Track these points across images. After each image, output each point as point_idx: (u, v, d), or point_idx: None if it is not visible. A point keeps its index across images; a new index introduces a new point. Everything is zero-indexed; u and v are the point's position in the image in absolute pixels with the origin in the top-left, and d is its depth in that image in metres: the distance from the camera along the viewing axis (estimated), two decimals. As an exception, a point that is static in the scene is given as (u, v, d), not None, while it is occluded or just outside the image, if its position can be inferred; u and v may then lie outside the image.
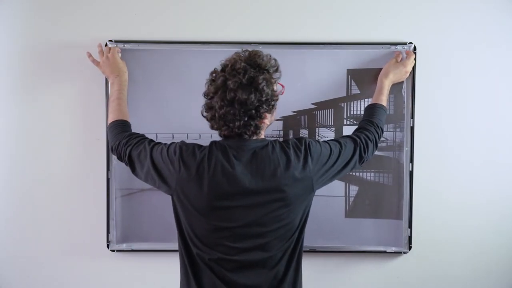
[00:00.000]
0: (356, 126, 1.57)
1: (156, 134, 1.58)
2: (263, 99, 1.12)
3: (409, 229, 1.60)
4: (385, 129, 1.49)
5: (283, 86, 1.25)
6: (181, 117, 1.58)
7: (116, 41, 1.56)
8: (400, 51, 1.55)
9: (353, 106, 1.59)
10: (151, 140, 1.29)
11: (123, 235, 1.62)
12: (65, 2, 1.59)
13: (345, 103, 1.58)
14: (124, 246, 1.62)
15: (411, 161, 1.59)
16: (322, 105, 1.58)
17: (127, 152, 1.28)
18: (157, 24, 1.59)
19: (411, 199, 1.59)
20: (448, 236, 1.64)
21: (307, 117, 1.58)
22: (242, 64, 1.12)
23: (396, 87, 1.57)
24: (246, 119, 1.12)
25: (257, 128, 1.16)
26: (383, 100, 1.48)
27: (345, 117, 1.59)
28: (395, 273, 1.65)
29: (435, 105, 1.60)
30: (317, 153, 1.18)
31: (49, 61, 1.60)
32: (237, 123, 1.12)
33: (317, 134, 1.59)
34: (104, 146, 1.59)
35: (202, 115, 1.20)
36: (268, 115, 1.17)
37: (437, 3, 1.59)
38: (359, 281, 1.66)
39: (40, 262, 1.65)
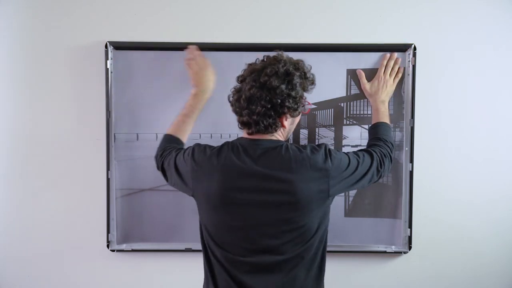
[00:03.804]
0: (356, 126, 1.57)
1: (156, 134, 1.58)
2: (293, 94, 1.14)
3: (409, 229, 1.60)
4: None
5: (310, 104, 1.28)
6: (181, 117, 1.58)
7: (116, 42, 1.56)
8: (360, 71, 1.55)
9: (353, 106, 1.59)
10: (179, 149, 1.33)
11: (123, 235, 1.62)
12: (64, 3, 1.59)
13: (345, 103, 1.58)
14: (124, 246, 1.62)
15: (411, 161, 1.59)
16: (322, 105, 1.58)
17: (160, 164, 1.35)
18: (157, 25, 1.59)
19: (411, 199, 1.59)
20: (448, 236, 1.64)
21: (307, 117, 1.58)
22: (284, 58, 1.16)
23: (396, 88, 1.56)
24: (269, 106, 1.12)
25: (274, 125, 1.16)
26: (382, 118, 1.47)
27: (345, 117, 1.59)
28: (395, 273, 1.65)
29: (435, 105, 1.60)
30: (337, 159, 1.16)
31: (49, 62, 1.60)
32: (259, 108, 1.12)
33: (317, 134, 1.59)
34: (104, 146, 1.59)
35: (228, 99, 1.22)
36: (289, 117, 1.18)
37: (437, 3, 1.59)
38: (359, 281, 1.66)
39: (40, 262, 1.66)
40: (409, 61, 1.56)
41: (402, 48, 1.57)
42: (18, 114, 1.61)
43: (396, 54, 1.55)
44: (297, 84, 1.14)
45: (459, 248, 1.65)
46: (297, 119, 1.25)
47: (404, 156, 1.59)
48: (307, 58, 1.54)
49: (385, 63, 1.54)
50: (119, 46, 1.57)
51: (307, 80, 1.19)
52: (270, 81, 1.11)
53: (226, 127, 1.57)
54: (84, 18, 1.59)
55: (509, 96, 1.62)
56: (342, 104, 1.58)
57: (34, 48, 1.60)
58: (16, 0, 1.59)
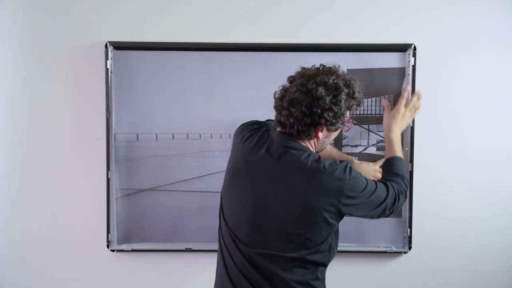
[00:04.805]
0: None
1: (156, 134, 1.58)
2: (334, 109, 1.12)
3: (409, 229, 1.60)
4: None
5: (352, 124, 1.25)
6: (181, 117, 1.58)
7: (116, 42, 1.56)
8: (387, 102, 1.54)
9: (353, 106, 1.58)
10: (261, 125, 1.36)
11: (123, 235, 1.62)
12: (64, 3, 1.59)
13: (345, 103, 1.58)
14: (124, 246, 1.62)
15: (411, 161, 1.59)
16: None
17: None
18: (157, 25, 1.59)
19: (411, 199, 1.59)
20: (448, 236, 1.64)
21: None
22: (338, 72, 1.16)
23: (396, 88, 1.57)
24: (307, 113, 1.12)
25: (307, 133, 1.15)
26: (397, 152, 1.41)
27: (345, 117, 1.59)
28: (395, 273, 1.65)
29: (435, 105, 1.60)
30: (355, 178, 1.14)
31: (49, 62, 1.60)
32: (297, 113, 1.12)
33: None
34: (104, 146, 1.59)
35: (274, 96, 1.22)
36: (324, 130, 1.17)
37: (437, 3, 1.59)
38: (359, 281, 1.66)
39: (40, 262, 1.66)
40: (409, 61, 1.57)
41: (402, 48, 1.57)
42: (18, 114, 1.61)
43: (420, 92, 1.52)
44: (342, 101, 1.13)
45: (459, 248, 1.65)
46: (334, 134, 1.23)
47: (404, 157, 1.59)
48: (307, 58, 1.56)
49: (406, 95, 1.50)
50: (119, 46, 1.57)
51: (354, 100, 1.17)
52: (317, 89, 1.11)
53: (226, 127, 1.57)
54: (84, 18, 1.59)
55: (509, 96, 1.62)
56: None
57: (34, 48, 1.60)
58: (16, 0, 1.59)
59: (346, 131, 1.46)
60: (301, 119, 1.12)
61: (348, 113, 1.19)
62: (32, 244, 1.65)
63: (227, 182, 1.25)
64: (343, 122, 1.18)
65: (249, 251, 1.18)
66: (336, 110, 1.12)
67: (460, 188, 1.63)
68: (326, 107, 1.11)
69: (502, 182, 1.63)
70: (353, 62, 1.57)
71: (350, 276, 1.66)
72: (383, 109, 1.55)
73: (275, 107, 1.19)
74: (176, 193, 1.59)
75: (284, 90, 1.18)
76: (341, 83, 1.13)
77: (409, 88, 1.54)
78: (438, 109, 1.61)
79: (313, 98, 1.11)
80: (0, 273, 1.66)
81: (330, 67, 1.17)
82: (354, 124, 1.56)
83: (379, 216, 1.22)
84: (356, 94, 1.16)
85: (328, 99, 1.11)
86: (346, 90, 1.14)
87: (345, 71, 1.55)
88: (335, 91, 1.12)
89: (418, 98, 1.51)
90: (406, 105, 1.49)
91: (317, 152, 1.24)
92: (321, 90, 1.11)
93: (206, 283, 1.35)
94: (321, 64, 1.19)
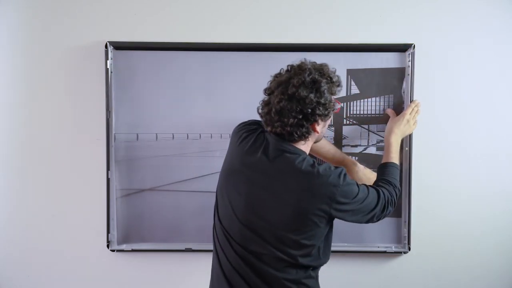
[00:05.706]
0: (356, 126, 1.57)
1: (156, 134, 1.58)
2: (322, 101, 1.14)
3: (408, 229, 1.60)
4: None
5: (339, 103, 1.27)
6: (181, 117, 1.59)
7: (116, 42, 1.56)
8: (392, 110, 1.55)
9: (353, 106, 1.59)
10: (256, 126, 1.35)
11: (123, 235, 1.62)
12: (64, 3, 1.59)
13: (345, 103, 1.58)
14: (124, 246, 1.62)
15: (410, 161, 1.59)
16: (322, 105, 1.58)
17: None
18: (157, 25, 1.59)
19: (410, 199, 1.59)
20: (448, 236, 1.64)
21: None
22: (309, 66, 1.16)
23: (396, 88, 1.57)
24: (300, 117, 1.13)
25: (307, 133, 1.17)
26: (393, 158, 1.42)
27: (345, 117, 1.59)
28: (395, 273, 1.65)
29: (434, 105, 1.60)
30: (348, 184, 1.16)
31: (49, 62, 1.60)
32: (291, 120, 1.13)
33: (317, 134, 1.59)
34: (104, 146, 1.59)
35: (258, 111, 1.22)
36: (320, 122, 1.19)
37: (437, 3, 1.59)
38: (359, 281, 1.66)
39: (40, 262, 1.66)
40: (409, 61, 1.57)
41: (402, 48, 1.57)
42: (18, 114, 1.61)
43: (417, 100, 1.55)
44: (325, 91, 1.15)
45: (458, 248, 1.65)
46: (328, 120, 1.25)
47: (403, 156, 1.59)
48: (307, 58, 1.55)
49: (413, 106, 1.53)
50: (119, 46, 1.57)
51: (334, 84, 1.19)
52: (298, 92, 1.12)
53: (226, 127, 1.57)
54: (84, 18, 1.59)
55: (509, 96, 1.62)
56: (342, 104, 1.58)
57: (34, 48, 1.60)
58: (16, 0, 1.59)
59: (337, 111, 1.47)
60: (297, 125, 1.14)
61: (333, 98, 1.21)
62: (32, 244, 1.65)
63: (222, 181, 1.26)
64: (334, 109, 1.20)
65: (242, 250, 1.19)
66: (323, 101, 1.14)
67: (460, 188, 1.63)
68: (314, 103, 1.13)
69: (502, 182, 1.63)
70: (353, 62, 1.57)
71: (349, 276, 1.66)
72: (383, 110, 1.56)
73: (265, 122, 1.20)
74: (176, 193, 1.59)
75: (266, 104, 1.19)
76: (316, 75, 1.15)
77: (418, 102, 1.54)
78: (438, 109, 1.61)
79: (298, 100, 1.12)
80: (0, 273, 1.66)
81: (299, 65, 1.18)
82: (341, 107, 1.57)
83: (367, 222, 1.24)
84: (334, 78, 1.19)
85: (312, 95, 1.13)
86: (324, 80, 1.15)
87: (344, 70, 1.57)
88: (315, 85, 1.14)
89: (418, 112, 1.54)
90: (411, 115, 1.52)
91: (316, 142, 1.27)
92: (302, 91, 1.12)
93: (206, 283, 1.35)
94: (288, 65, 1.20)
